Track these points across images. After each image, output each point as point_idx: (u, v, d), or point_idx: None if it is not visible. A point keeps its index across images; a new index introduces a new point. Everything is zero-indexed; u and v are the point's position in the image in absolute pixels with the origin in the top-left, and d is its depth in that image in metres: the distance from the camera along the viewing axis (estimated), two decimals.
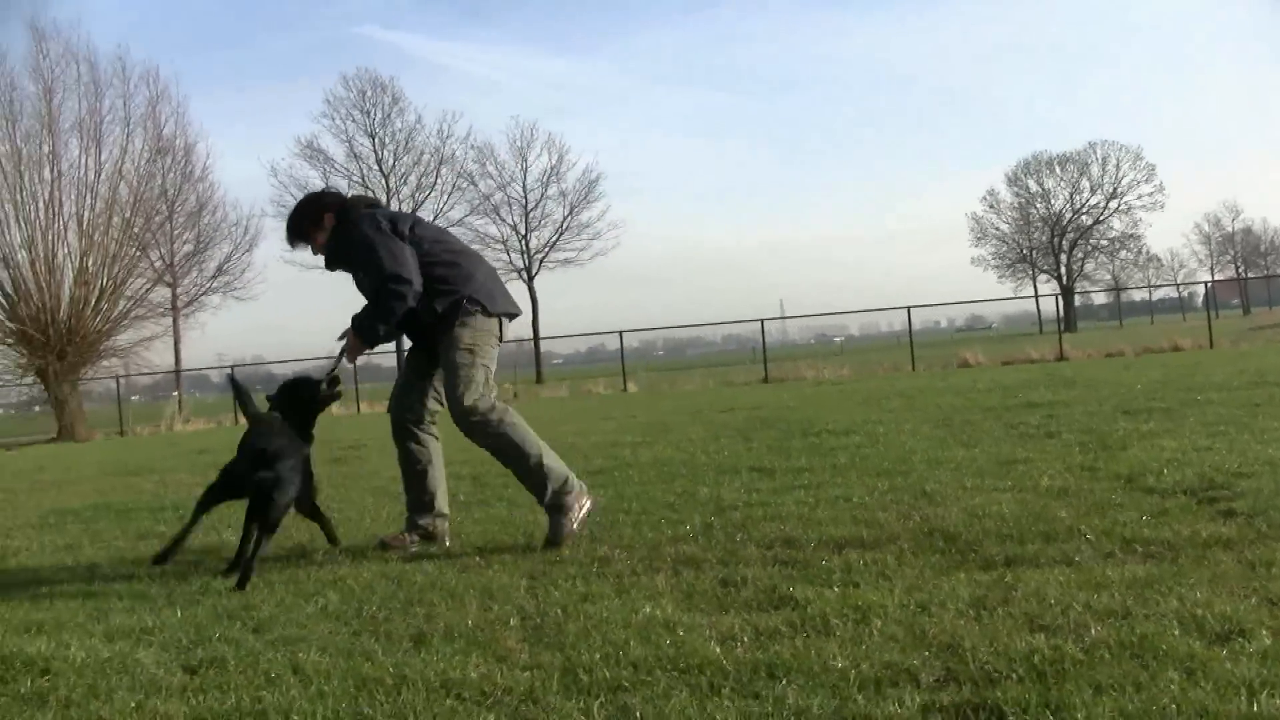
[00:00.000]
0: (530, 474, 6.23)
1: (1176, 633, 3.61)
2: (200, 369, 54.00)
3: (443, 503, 6.56)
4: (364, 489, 9.93)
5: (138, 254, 39.23)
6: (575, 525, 6.15)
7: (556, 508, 6.17)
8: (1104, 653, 3.47)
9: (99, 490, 12.16)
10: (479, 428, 6.23)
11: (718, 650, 3.80)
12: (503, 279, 6.65)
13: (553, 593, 4.93)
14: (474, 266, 6.49)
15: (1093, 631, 3.69)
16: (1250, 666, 3.23)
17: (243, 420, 7.43)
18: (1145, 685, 3.15)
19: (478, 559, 5.95)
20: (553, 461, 6.24)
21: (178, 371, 47.07)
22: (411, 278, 6.15)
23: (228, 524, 8.12)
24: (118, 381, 38.35)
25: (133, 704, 3.78)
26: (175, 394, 45.52)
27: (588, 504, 6.30)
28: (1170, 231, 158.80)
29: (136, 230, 38.49)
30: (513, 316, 6.62)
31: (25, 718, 3.75)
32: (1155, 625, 3.71)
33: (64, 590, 5.97)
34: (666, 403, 22.13)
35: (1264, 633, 3.53)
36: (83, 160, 36.92)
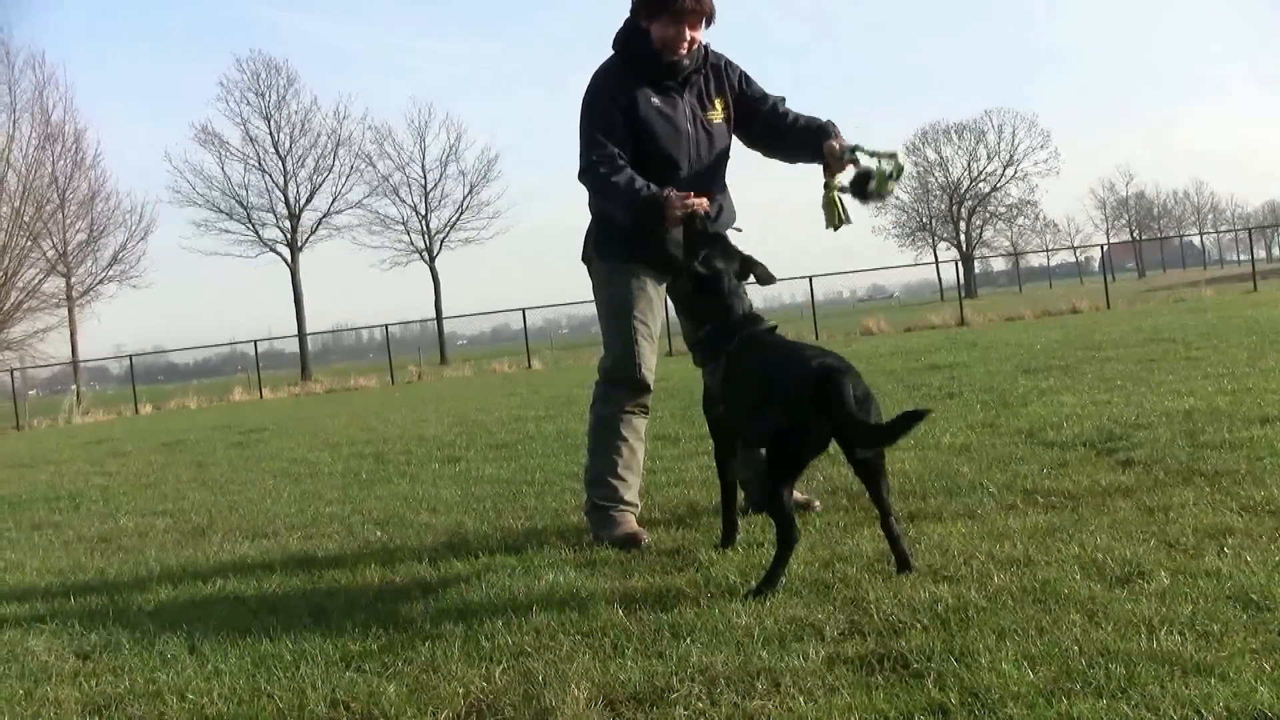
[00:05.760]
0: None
1: (1078, 577, 3.63)
2: (99, 359, 52.93)
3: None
4: (265, 471, 9.83)
5: (29, 244, 38.42)
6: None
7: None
8: (1007, 599, 3.48)
9: None
10: None
11: (621, 613, 3.77)
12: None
13: (455, 564, 4.86)
14: None
15: (995, 580, 3.70)
16: (1150, 605, 3.25)
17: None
18: (1048, 628, 3.16)
19: (379, 534, 5.87)
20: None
21: (75, 363, 46.07)
22: None
23: (124, 511, 7.97)
24: (12, 375, 37.42)
25: (22, 691, 3.68)
26: (73, 387, 44.61)
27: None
28: (1066, 197, 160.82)
29: (27, 219, 37.70)
30: None
31: None
32: (1057, 571, 3.73)
33: None
34: (571, 378, 22.04)
35: (1162, 573, 3.56)
36: None
